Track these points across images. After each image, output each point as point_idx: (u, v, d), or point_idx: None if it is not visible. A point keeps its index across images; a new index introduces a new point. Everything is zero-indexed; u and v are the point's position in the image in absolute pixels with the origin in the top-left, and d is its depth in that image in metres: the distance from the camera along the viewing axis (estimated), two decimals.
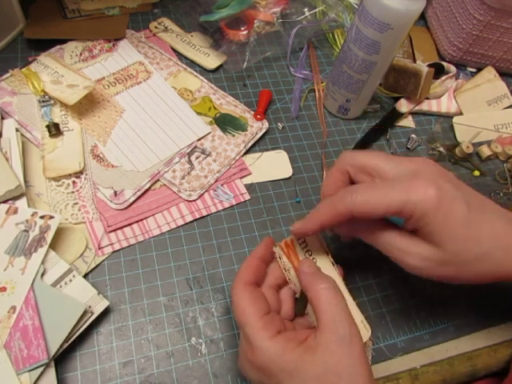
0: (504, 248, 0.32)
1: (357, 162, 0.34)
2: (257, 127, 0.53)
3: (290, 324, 0.35)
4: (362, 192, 0.31)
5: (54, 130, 0.46)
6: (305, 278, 0.33)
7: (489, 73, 0.62)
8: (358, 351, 0.29)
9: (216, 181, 0.48)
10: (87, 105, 0.49)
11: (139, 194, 0.45)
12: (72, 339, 0.36)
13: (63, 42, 0.54)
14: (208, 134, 0.51)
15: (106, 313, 0.39)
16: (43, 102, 0.48)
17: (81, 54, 0.54)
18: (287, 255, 0.37)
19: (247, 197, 0.48)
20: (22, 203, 0.41)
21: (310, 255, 0.37)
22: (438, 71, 0.59)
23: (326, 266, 0.37)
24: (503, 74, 0.64)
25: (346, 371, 0.29)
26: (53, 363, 0.35)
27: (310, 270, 0.34)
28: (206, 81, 0.56)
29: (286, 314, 0.36)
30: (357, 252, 0.47)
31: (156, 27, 0.59)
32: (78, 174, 0.45)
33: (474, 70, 0.66)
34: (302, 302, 0.36)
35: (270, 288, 0.35)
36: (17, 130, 0.45)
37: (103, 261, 0.42)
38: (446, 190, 0.30)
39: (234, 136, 0.51)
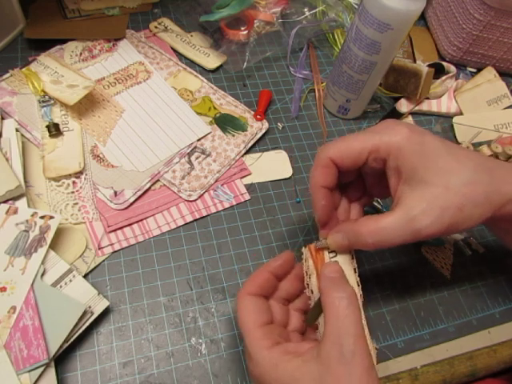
0: (487, 170, 0.32)
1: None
2: (257, 127, 0.53)
3: (298, 337, 0.34)
4: (339, 140, 0.34)
5: (54, 130, 0.46)
6: (325, 282, 0.31)
7: (489, 73, 0.62)
8: (360, 371, 0.27)
9: (216, 181, 0.48)
10: (87, 105, 0.49)
11: (139, 194, 0.45)
12: (72, 339, 0.36)
13: (63, 41, 0.54)
14: (208, 134, 0.51)
15: (106, 313, 0.39)
16: (43, 102, 0.48)
17: (81, 53, 0.54)
18: (314, 259, 0.34)
19: (247, 197, 0.48)
20: (22, 203, 0.41)
21: None
22: (438, 71, 0.59)
23: (350, 282, 0.33)
24: (503, 74, 0.64)
25: None
26: (53, 363, 0.35)
27: (334, 274, 0.31)
28: (205, 81, 0.56)
29: (296, 327, 0.34)
30: (356, 252, 0.47)
31: (156, 27, 0.59)
32: (78, 174, 0.45)
33: (474, 70, 0.66)
34: (314, 310, 0.33)
35: (278, 301, 0.34)
36: (17, 130, 0.45)
37: (103, 261, 0.42)
38: (415, 127, 0.33)
39: (233, 136, 0.51)
